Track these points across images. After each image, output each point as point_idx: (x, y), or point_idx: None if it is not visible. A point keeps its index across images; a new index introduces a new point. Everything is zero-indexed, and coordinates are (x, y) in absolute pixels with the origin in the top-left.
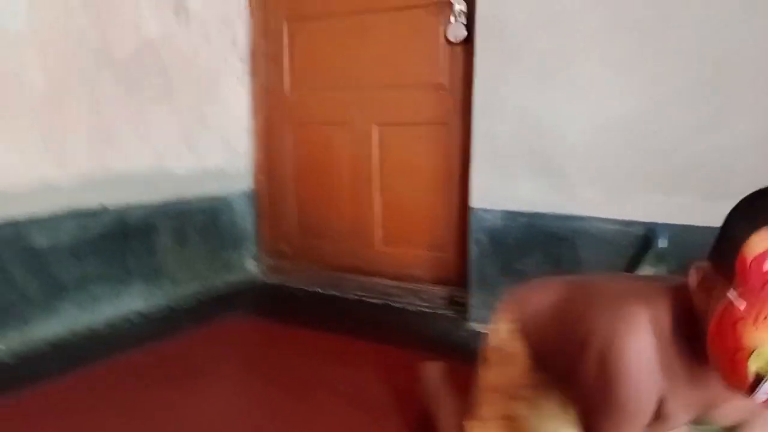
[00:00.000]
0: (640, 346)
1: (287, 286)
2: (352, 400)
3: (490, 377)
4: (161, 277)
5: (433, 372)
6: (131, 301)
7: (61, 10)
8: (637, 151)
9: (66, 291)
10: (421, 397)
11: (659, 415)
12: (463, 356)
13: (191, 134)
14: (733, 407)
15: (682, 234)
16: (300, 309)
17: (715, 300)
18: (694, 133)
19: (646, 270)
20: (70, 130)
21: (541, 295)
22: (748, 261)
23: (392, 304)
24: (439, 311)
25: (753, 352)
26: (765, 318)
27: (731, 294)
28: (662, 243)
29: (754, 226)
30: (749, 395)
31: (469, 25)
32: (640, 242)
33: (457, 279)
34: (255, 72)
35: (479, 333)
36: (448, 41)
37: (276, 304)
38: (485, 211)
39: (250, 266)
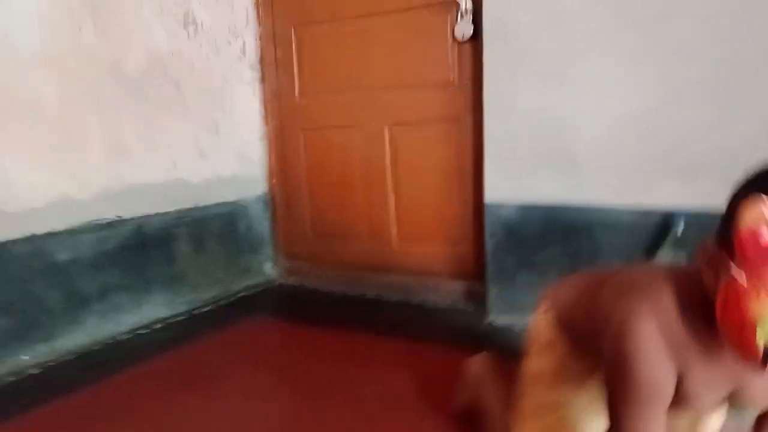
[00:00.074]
0: (642, 326)
1: (305, 288)
2: (378, 399)
3: (532, 367)
4: (181, 284)
5: (478, 365)
6: (153, 309)
7: (72, 29)
8: (652, 140)
9: (88, 302)
10: (463, 391)
11: (680, 394)
12: (484, 349)
13: (204, 143)
14: (760, 388)
15: (699, 220)
16: (319, 310)
17: (722, 277)
18: (710, 122)
19: (664, 257)
20: (85, 146)
21: (574, 287)
22: (743, 233)
23: (411, 300)
24: (458, 306)
25: (759, 324)
26: (766, 289)
27: (733, 269)
28: (680, 230)
29: (745, 197)
30: (763, 368)
31: (476, 22)
32: (658, 230)
33: (475, 273)
34: (265, 79)
35: (498, 326)
36: (455, 39)
37: (295, 306)
38: (500, 205)
39: (268, 269)
